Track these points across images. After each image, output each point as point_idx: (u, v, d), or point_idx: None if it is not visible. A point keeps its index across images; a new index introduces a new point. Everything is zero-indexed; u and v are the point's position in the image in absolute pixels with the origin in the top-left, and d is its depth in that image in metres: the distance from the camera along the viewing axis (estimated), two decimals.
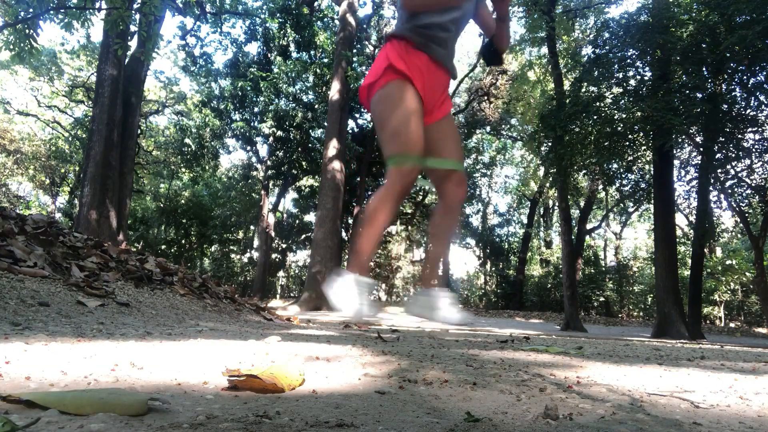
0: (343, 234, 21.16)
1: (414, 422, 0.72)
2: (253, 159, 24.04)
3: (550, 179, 12.16)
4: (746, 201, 10.91)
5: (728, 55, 9.01)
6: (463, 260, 48.75)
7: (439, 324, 1.99)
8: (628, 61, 10.48)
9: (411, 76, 2.09)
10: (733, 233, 17.78)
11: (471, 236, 31.27)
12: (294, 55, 20.21)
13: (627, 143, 10.94)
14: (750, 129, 10.03)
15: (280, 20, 19.00)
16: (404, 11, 2.16)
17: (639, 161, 11.96)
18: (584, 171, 12.99)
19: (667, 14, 9.71)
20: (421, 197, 24.85)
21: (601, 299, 24.14)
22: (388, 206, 2.01)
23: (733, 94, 10.27)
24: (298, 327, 2.97)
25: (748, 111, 9.96)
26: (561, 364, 1.33)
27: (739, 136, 10.00)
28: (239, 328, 2.27)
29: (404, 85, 2.08)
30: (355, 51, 16.80)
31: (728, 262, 18.83)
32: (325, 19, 20.53)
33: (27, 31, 6.47)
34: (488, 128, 25.72)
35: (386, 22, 20.64)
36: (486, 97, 24.22)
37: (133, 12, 7.29)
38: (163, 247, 24.44)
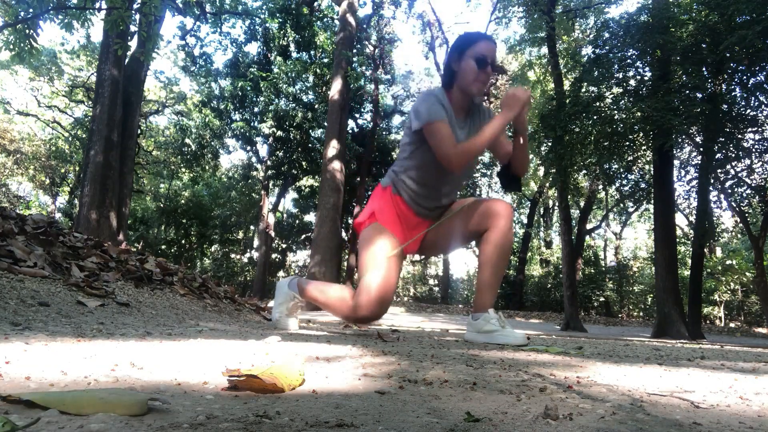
0: (343, 234, 21.15)
1: (414, 422, 0.72)
2: (253, 159, 24.05)
3: (550, 179, 12.16)
4: (746, 201, 10.91)
5: (728, 55, 9.02)
6: (463, 260, 48.85)
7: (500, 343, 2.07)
8: (628, 61, 10.48)
9: (391, 230, 2.22)
10: (733, 233, 17.78)
11: None
12: (294, 55, 20.21)
13: (627, 143, 10.95)
14: (750, 129, 10.03)
15: (280, 20, 19.00)
16: (410, 161, 2.20)
17: (639, 161, 11.97)
18: (584, 171, 12.99)
19: (667, 14, 9.71)
20: None
21: (601, 299, 24.14)
22: (342, 309, 2.12)
23: (733, 94, 10.27)
24: (298, 327, 2.96)
25: (748, 111, 9.96)
26: (561, 364, 1.33)
27: (739, 136, 10.00)
28: (239, 328, 2.27)
29: (381, 230, 2.20)
30: (355, 51, 16.80)
31: (728, 262, 18.84)
32: (325, 19, 20.53)
33: (27, 31, 6.47)
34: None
35: (386, 22, 20.63)
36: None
37: (133, 12, 7.29)
38: (163, 247, 24.44)
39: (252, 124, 20.54)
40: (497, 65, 2.16)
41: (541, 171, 21.56)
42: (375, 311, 2.03)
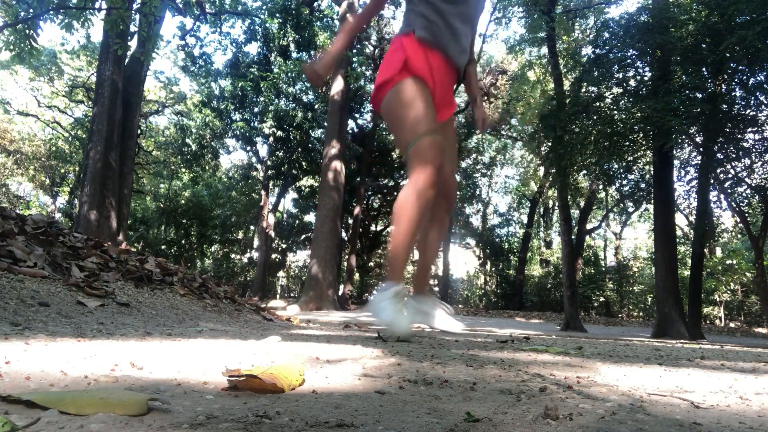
0: (343, 234, 21.16)
1: (414, 422, 0.72)
2: (253, 159, 24.05)
3: (550, 179, 12.16)
4: (746, 201, 10.91)
5: (728, 55, 9.02)
6: (463, 260, 48.77)
7: (437, 329, 2.01)
8: (628, 61, 10.48)
9: (424, 76, 2.10)
10: (733, 233, 17.78)
11: (471, 236, 31.27)
12: (294, 55, 20.21)
13: (627, 143, 10.95)
14: (750, 129, 10.03)
15: (280, 20, 19.00)
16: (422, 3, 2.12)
17: (639, 161, 11.97)
18: (584, 171, 12.98)
19: (667, 14, 9.71)
20: None
21: (601, 299, 24.14)
22: (416, 200, 1.95)
23: (733, 94, 10.27)
24: (298, 327, 2.97)
25: (748, 111, 9.96)
26: (561, 364, 1.33)
27: (739, 136, 10.00)
28: (239, 328, 2.27)
29: (417, 83, 2.08)
30: (355, 51, 16.81)
31: (728, 262, 18.83)
32: (325, 20, 20.52)
33: (27, 31, 6.48)
34: (488, 128, 25.72)
35: (386, 22, 20.64)
36: (486, 97, 24.21)
37: (133, 12, 7.29)
38: (163, 247, 24.44)
39: (252, 124, 20.54)
40: None
41: (541, 171, 21.58)
42: (434, 154, 1.97)
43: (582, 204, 19.88)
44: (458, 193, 2.34)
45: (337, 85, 15.07)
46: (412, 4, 2.20)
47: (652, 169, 11.46)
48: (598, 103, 10.81)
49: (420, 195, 1.96)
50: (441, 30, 2.14)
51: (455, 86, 2.38)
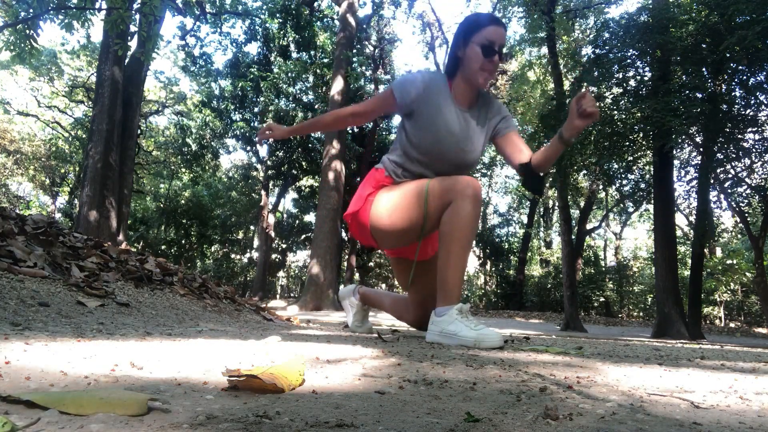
0: (343, 234, 21.15)
1: (414, 422, 0.72)
2: (253, 159, 24.05)
3: (550, 179, 12.18)
4: (746, 201, 10.92)
5: (728, 55, 9.02)
6: None
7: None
8: (628, 61, 10.48)
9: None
10: (733, 233, 17.78)
11: None
12: (294, 55, 20.21)
13: (627, 143, 10.95)
14: (750, 129, 10.04)
15: (280, 20, 19.00)
16: (403, 149, 2.11)
17: (639, 161, 11.97)
18: (584, 171, 12.98)
19: (667, 14, 9.71)
20: None
21: (601, 299, 24.14)
22: (474, 213, 1.93)
23: (733, 94, 10.28)
24: (298, 327, 2.97)
25: (748, 111, 9.96)
26: (561, 364, 1.33)
27: (739, 136, 10.00)
28: (239, 328, 2.27)
29: (387, 187, 2.12)
30: (355, 51, 16.81)
31: (728, 262, 18.83)
32: (325, 20, 20.53)
33: (27, 31, 6.48)
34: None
35: (386, 22, 20.63)
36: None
37: (133, 12, 7.29)
38: (163, 247, 24.45)
39: (252, 124, 20.54)
40: (505, 53, 1.99)
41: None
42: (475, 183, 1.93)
43: (582, 204, 19.88)
44: None
45: (337, 85, 15.07)
46: (395, 144, 2.19)
47: (652, 169, 11.47)
48: (598, 103, 10.80)
49: (474, 203, 1.92)
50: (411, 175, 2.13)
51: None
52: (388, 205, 2.05)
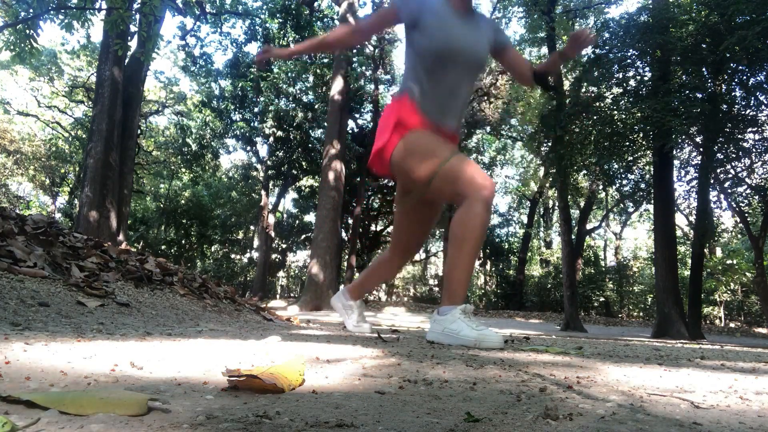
0: (343, 234, 21.16)
1: (414, 422, 0.72)
2: (253, 159, 24.05)
3: (550, 179, 12.17)
4: (746, 201, 10.92)
5: (728, 55, 9.02)
6: None
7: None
8: (628, 61, 10.49)
9: (423, 126, 2.12)
10: (733, 233, 17.78)
11: None
12: None
13: (627, 143, 10.95)
14: (750, 129, 10.04)
15: (280, 20, 19.00)
16: (414, 72, 2.14)
17: (639, 161, 11.97)
18: (584, 171, 12.98)
19: (667, 14, 9.71)
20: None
21: (601, 299, 24.14)
22: (485, 215, 1.93)
23: (733, 94, 10.28)
24: (298, 327, 2.97)
25: (748, 111, 9.97)
26: (561, 364, 1.33)
27: (739, 136, 10.01)
28: (239, 328, 2.27)
29: (420, 131, 2.11)
30: (355, 51, 16.81)
31: (728, 262, 18.83)
32: (325, 20, 20.52)
33: (27, 31, 6.48)
34: (488, 128, 25.73)
35: None
36: (486, 97, 24.22)
37: (133, 12, 7.29)
38: (163, 247, 24.45)
39: (252, 124, 20.54)
40: None
41: (542, 171, 21.58)
42: (491, 182, 1.95)
43: (582, 204, 19.88)
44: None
45: (338, 85, 15.07)
46: (407, 72, 2.22)
47: (652, 169, 11.47)
48: (598, 103, 10.82)
49: (487, 207, 1.93)
50: (431, 105, 2.15)
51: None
52: (411, 150, 2.08)
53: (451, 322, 1.90)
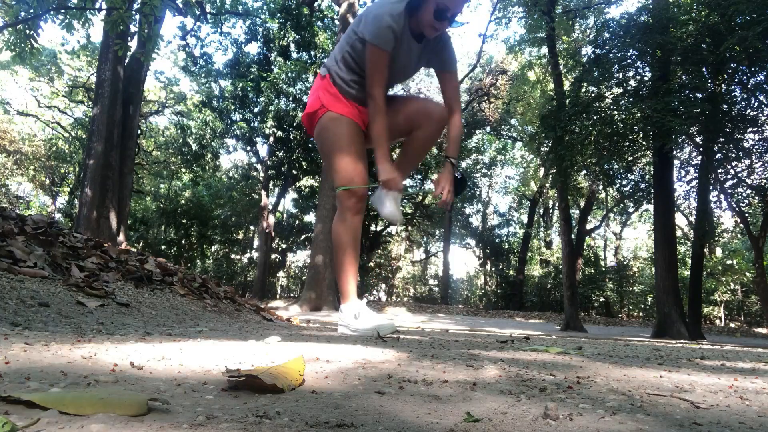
0: None
1: (414, 422, 0.72)
2: (253, 159, 24.05)
3: (550, 179, 12.17)
4: (746, 201, 10.92)
5: (728, 55, 9.02)
6: (463, 260, 48.81)
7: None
8: (628, 61, 10.48)
9: (346, 112, 2.30)
10: (733, 233, 17.78)
11: (471, 236, 31.27)
12: (294, 55, 20.20)
13: (627, 143, 10.95)
14: (750, 129, 10.04)
15: (280, 20, 19.00)
16: (349, 66, 2.29)
17: (639, 161, 11.97)
18: (584, 171, 12.98)
19: (667, 14, 9.71)
20: (420, 197, 24.84)
21: (601, 299, 24.14)
22: (347, 226, 2.22)
23: (733, 94, 10.28)
24: (298, 327, 2.97)
25: (748, 111, 9.97)
26: (561, 364, 1.33)
27: (739, 136, 10.01)
28: (239, 328, 2.27)
29: (342, 118, 2.29)
30: None
31: (728, 262, 18.83)
32: (325, 20, 20.52)
33: (27, 31, 6.48)
34: (488, 128, 25.73)
35: None
36: (486, 98, 24.22)
37: (133, 12, 7.29)
38: (163, 247, 24.45)
39: (252, 124, 20.54)
40: (456, 20, 2.20)
41: (542, 171, 21.58)
42: (357, 196, 2.19)
43: (582, 204, 19.88)
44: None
45: None
46: (336, 57, 2.37)
47: (652, 169, 11.47)
48: (598, 103, 10.82)
49: (347, 226, 2.23)
50: (355, 84, 2.33)
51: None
52: (324, 128, 2.33)
53: (349, 317, 2.18)
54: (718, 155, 10.11)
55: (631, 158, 11.46)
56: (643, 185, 12.46)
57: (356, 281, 2.27)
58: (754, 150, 10.25)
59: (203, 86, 21.34)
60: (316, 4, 20.15)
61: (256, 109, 20.38)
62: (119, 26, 6.11)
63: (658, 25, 9.50)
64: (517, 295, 24.29)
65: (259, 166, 23.54)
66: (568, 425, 0.72)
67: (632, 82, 10.90)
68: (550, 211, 29.57)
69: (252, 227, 28.27)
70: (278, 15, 18.98)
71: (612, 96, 11.16)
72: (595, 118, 10.64)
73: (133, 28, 9.09)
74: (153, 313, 2.35)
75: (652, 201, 11.16)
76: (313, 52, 19.99)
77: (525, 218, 28.39)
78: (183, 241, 25.65)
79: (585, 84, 11.16)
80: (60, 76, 22.95)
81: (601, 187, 18.04)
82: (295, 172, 21.96)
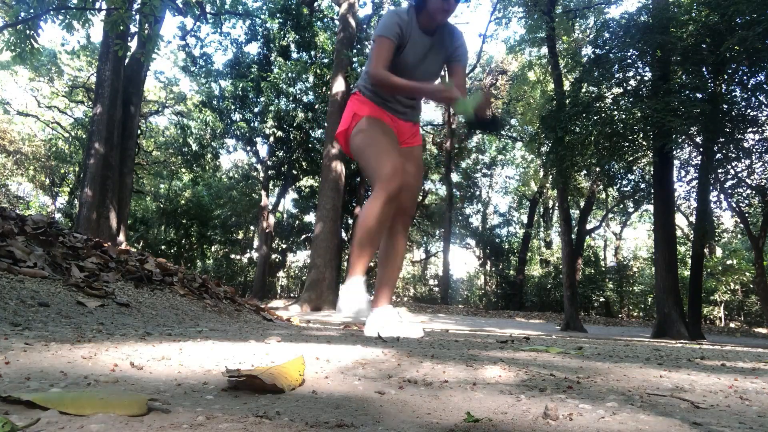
0: (343, 234, 21.15)
1: (414, 422, 0.72)
2: (254, 159, 24.05)
3: (551, 180, 12.17)
4: (746, 201, 10.92)
5: (728, 55, 9.02)
6: (463, 260, 48.87)
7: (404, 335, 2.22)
8: (628, 61, 10.48)
9: (377, 115, 2.38)
10: (733, 233, 17.78)
11: (471, 236, 31.27)
12: (294, 55, 20.21)
13: (627, 144, 10.95)
14: (750, 129, 10.04)
15: (280, 20, 19.00)
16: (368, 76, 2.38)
17: (639, 161, 11.97)
18: (584, 171, 12.98)
19: (667, 14, 9.71)
20: (420, 197, 24.85)
21: (601, 299, 24.14)
22: (382, 211, 2.25)
23: (734, 94, 10.28)
24: (298, 327, 2.97)
25: (748, 111, 9.96)
26: (561, 364, 1.33)
27: (739, 136, 10.00)
28: (239, 328, 2.27)
29: (374, 119, 2.37)
30: (355, 51, 16.82)
31: (728, 262, 18.83)
32: (325, 20, 20.52)
33: (27, 31, 6.48)
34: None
35: None
36: (491, 91, 24.14)
37: (133, 12, 7.29)
38: (163, 247, 24.44)
39: (252, 124, 20.53)
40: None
41: (542, 171, 21.57)
42: (397, 182, 2.22)
43: (582, 204, 19.88)
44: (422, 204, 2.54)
45: (338, 86, 15.08)
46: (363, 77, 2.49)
47: (652, 169, 11.46)
48: (598, 104, 10.81)
49: (383, 211, 2.26)
50: (386, 101, 2.45)
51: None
52: (358, 130, 2.41)
53: (345, 292, 2.32)
54: (718, 155, 10.11)
55: (631, 158, 11.46)
56: (643, 185, 12.45)
57: (368, 261, 2.35)
58: (754, 150, 10.25)
59: (203, 86, 21.33)
60: (316, 4, 20.15)
61: (256, 109, 20.38)
62: (119, 26, 6.11)
63: (658, 25, 9.50)
64: (517, 295, 24.28)
65: (259, 166, 23.54)
66: (568, 425, 0.72)
67: (632, 82, 10.89)
68: (550, 211, 29.56)
69: (252, 227, 28.27)
70: (278, 15, 18.98)
71: (612, 96, 11.15)
72: (595, 118, 10.64)
73: (133, 28, 9.09)
74: (153, 313, 2.35)
75: (652, 201, 11.15)
76: (313, 52, 19.99)
77: (525, 218, 28.38)
78: (183, 241, 25.65)
79: (585, 84, 11.15)
80: (60, 76, 22.95)
81: (601, 187, 18.04)
82: (295, 172, 21.96)
